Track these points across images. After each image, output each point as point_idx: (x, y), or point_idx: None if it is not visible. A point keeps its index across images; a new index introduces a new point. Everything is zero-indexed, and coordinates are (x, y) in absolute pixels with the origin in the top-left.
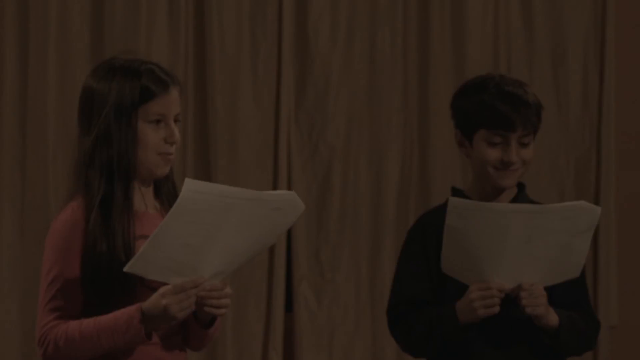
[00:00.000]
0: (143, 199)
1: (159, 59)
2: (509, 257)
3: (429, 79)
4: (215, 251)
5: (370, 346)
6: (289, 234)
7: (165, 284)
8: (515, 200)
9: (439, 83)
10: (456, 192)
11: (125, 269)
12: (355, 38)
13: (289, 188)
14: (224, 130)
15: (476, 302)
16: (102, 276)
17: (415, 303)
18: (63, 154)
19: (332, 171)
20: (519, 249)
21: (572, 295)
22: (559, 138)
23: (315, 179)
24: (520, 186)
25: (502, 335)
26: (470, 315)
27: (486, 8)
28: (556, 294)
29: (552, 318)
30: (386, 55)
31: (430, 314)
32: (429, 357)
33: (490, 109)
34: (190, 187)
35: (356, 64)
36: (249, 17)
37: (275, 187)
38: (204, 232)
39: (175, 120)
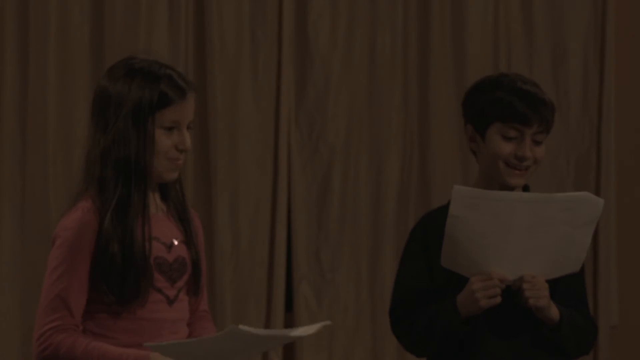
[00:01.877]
0: (154, 201)
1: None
2: (512, 248)
3: (429, 79)
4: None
5: (370, 346)
6: (289, 234)
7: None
8: None
9: (439, 83)
10: None
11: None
12: (355, 38)
13: (289, 188)
14: (224, 130)
15: (478, 293)
16: (116, 278)
17: (417, 303)
18: (63, 154)
19: (332, 171)
20: (521, 240)
21: (571, 298)
22: (559, 138)
23: (315, 179)
24: (526, 187)
25: (506, 325)
26: (472, 306)
27: (486, 8)
28: (555, 295)
29: (553, 312)
30: (386, 55)
31: (430, 311)
32: (432, 354)
33: (508, 103)
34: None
35: (356, 64)
36: (249, 17)
37: (275, 187)
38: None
39: (188, 127)
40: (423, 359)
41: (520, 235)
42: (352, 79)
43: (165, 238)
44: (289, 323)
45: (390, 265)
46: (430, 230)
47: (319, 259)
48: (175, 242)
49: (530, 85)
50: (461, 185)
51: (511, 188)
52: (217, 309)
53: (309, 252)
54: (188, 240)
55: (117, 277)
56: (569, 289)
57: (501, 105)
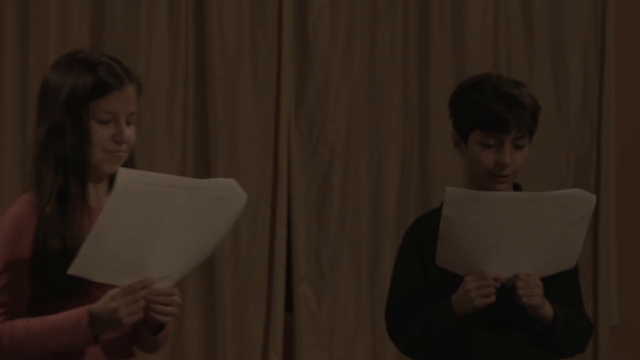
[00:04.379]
0: (96, 194)
1: (159, 59)
2: (505, 246)
3: (429, 79)
4: (162, 248)
5: (370, 346)
6: (289, 234)
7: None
8: None
9: (439, 83)
10: None
11: (69, 271)
12: (355, 38)
13: (289, 188)
14: (224, 130)
15: (472, 292)
16: (54, 272)
17: (413, 305)
18: None
19: (332, 171)
20: (515, 238)
21: (566, 296)
22: (559, 138)
23: (315, 179)
24: (516, 187)
25: (500, 323)
26: (467, 306)
27: (486, 8)
28: (549, 294)
29: (547, 310)
30: (386, 55)
31: (426, 311)
32: (428, 355)
33: (485, 109)
34: (125, 177)
35: (356, 64)
36: (249, 17)
37: (275, 187)
38: (146, 225)
39: (129, 121)
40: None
41: (514, 233)
42: (352, 79)
43: None
44: (289, 323)
45: (390, 265)
46: (423, 232)
47: (319, 259)
48: None
49: (510, 87)
50: (460, 184)
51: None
52: (217, 309)
53: (309, 252)
54: None
55: (57, 271)
56: (564, 287)
57: (479, 112)
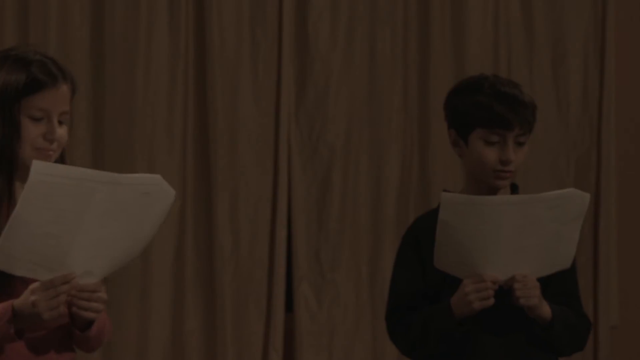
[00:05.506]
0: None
1: (159, 59)
2: (502, 249)
3: (429, 79)
4: (83, 243)
5: (370, 346)
6: (289, 234)
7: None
8: None
9: (439, 83)
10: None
11: None
12: (355, 38)
13: (289, 188)
14: (224, 130)
15: (471, 295)
16: None
17: (412, 307)
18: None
19: (332, 171)
20: (511, 241)
21: (564, 296)
22: (559, 138)
23: (315, 179)
24: (514, 187)
25: (499, 324)
26: (465, 308)
27: (486, 8)
28: (548, 293)
29: (545, 310)
30: (386, 55)
31: (425, 313)
32: (428, 356)
33: (488, 108)
34: (38, 170)
35: (356, 64)
36: (249, 17)
37: (275, 187)
38: (64, 219)
39: (62, 121)
40: None
41: (510, 236)
42: (352, 79)
43: None
44: (289, 323)
45: (391, 265)
46: (422, 233)
47: (319, 259)
48: None
49: (509, 87)
50: (460, 184)
51: (498, 189)
52: (217, 309)
53: (309, 252)
54: None
55: None
56: (562, 287)
57: (482, 111)
